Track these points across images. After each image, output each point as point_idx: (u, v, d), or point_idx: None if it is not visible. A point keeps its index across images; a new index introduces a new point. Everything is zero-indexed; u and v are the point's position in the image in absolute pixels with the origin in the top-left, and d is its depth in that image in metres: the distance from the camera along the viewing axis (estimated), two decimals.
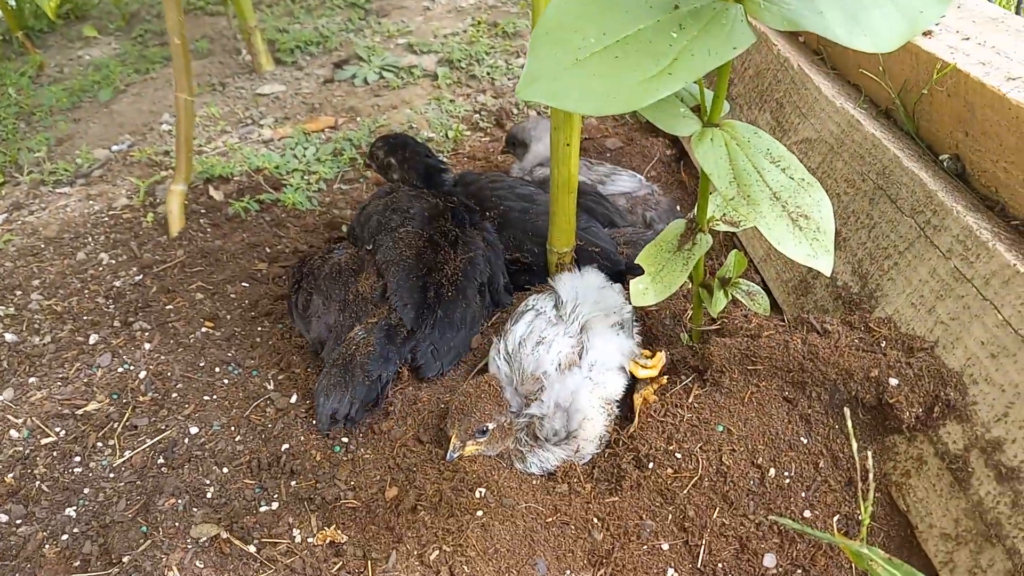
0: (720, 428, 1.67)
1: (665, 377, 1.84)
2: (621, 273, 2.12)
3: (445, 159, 3.14)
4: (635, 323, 1.94)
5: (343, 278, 2.08)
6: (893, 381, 1.52)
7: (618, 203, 2.51)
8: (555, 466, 1.77)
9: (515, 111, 3.47)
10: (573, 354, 1.78)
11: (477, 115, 3.48)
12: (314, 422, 1.93)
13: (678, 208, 2.62)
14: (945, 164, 1.82)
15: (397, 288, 2.01)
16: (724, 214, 1.64)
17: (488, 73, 3.79)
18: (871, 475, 1.01)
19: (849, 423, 0.95)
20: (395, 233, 2.11)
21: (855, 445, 0.97)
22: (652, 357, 1.85)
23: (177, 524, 1.72)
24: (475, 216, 2.27)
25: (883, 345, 1.62)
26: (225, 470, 1.85)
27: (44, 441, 1.97)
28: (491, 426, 1.72)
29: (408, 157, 2.50)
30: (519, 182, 2.46)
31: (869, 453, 1.19)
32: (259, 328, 2.31)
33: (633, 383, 1.87)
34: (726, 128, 1.37)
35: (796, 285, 1.99)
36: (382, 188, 2.41)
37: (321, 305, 2.06)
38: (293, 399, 2.03)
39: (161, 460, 1.89)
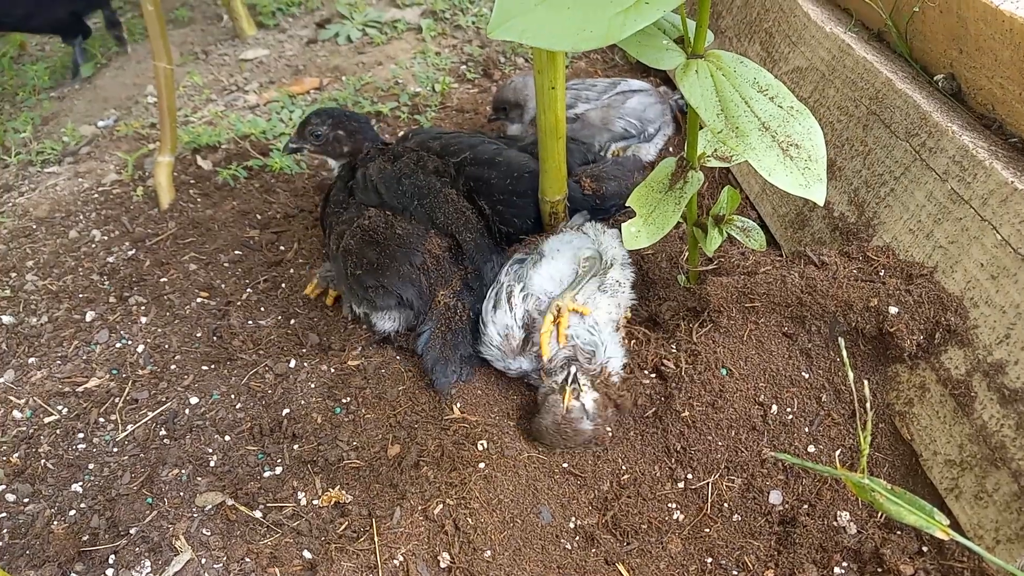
0: (724, 372, 1.65)
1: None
2: (595, 211, 2.10)
3: (433, 113, 3.09)
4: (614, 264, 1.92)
5: (408, 245, 2.00)
6: (893, 309, 1.50)
7: (643, 104, 2.54)
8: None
9: (502, 59, 3.40)
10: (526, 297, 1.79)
11: (464, 66, 3.41)
12: (435, 388, 1.88)
13: None
14: (940, 84, 1.77)
15: (476, 248, 2.03)
16: (715, 149, 1.60)
17: (473, 22, 3.70)
18: (868, 404, 0.99)
19: (844, 353, 0.92)
20: (440, 195, 2.06)
21: (851, 375, 0.94)
22: None
23: (182, 494, 1.72)
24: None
25: (882, 274, 1.59)
26: (227, 438, 1.85)
27: (47, 420, 1.97)
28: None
29: (356, 129, 2.35)
30: (479, 138, 2.30)
31: (866, 382, 1.17)
32: (255, 295, 2.29)
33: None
34: (711, 59, 1.33)
35: (793, 219, 1.95)
36: (374, 160, 2.22)
37: (397, 278, 1.97)
38: (292, 364, 2.02)
39: (163, 432, 1.89)
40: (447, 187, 2.07)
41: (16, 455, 1.88)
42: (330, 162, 2.39)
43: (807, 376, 1.61)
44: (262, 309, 2.24)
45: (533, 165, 2.06)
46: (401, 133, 2.51)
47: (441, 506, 1.56)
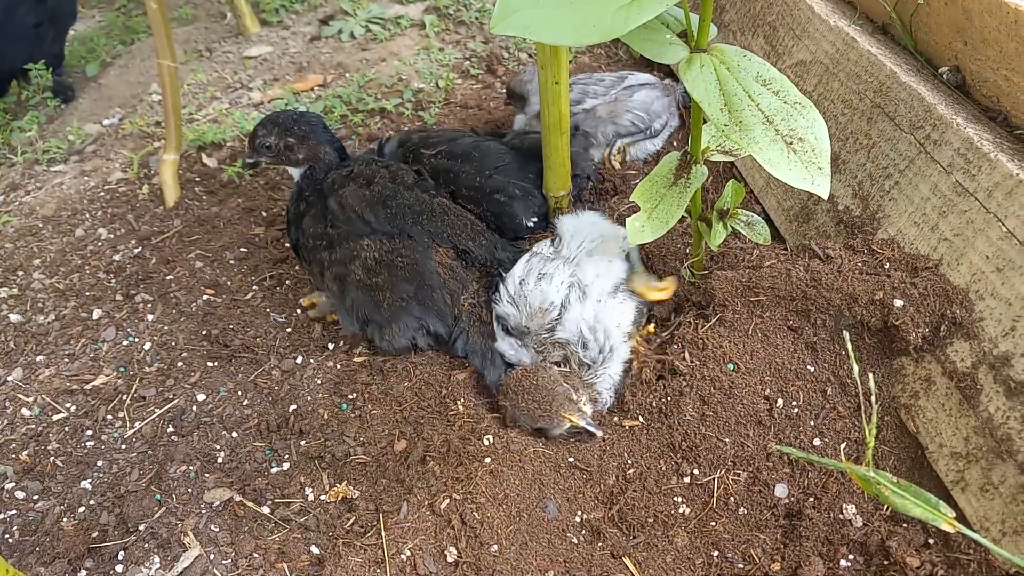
0: (730, 366, 1.65)
1: (652, 326, 1.85)
2: None
3: (437, 109, 3.09)
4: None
5: (421, 268, 1.95)
6: (898, 302, 1.50)
7: (650, 97, 2.54)
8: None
9: (505, 55, 3.40)
10: (577, 285, 1.78)
11: (467, 62, 3.41)
12: (488, 384, 1.88)
13: None
14: (945, 76, 1.77)
15: (490, 248, 2.01)
16: (719, 144, 1.60)
17: (477, 18, 3.70)
18: (873, 397, 0.99)
19: (849, 346, 0.92)
20: (436, 207, 2.01)
21: (856, 368, 0.95)
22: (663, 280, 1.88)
23: (190, 490, 1.73)
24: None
25: (887, 267, 1.59)
26: (234, 434, 1.86)
27: (55, 417, 1.98)
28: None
29: (307, 132, 2.19)
30: (458, 133, 2.29)
31: (871, 375, 1.17)
32: (260, 292, 2.30)
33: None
34: (714, 53, 1.33)
35: (797, 212, 1.95)
36: (356, 174, 2.10)
37: (416, 305, 1.93)
38: (298, 360, 2.03)
39: (171, 429, 1.90)
40: (435, 198, 2.02)
41: (25, 452, 1.90)
42: (292, 172, 2.25)
43: (812, 369, 1.62)
44: (269, 306, 2.24)
45: (507, 159, 2.10)
46: (373, 145, 2.41)
47: (448, 501, 1.57)
